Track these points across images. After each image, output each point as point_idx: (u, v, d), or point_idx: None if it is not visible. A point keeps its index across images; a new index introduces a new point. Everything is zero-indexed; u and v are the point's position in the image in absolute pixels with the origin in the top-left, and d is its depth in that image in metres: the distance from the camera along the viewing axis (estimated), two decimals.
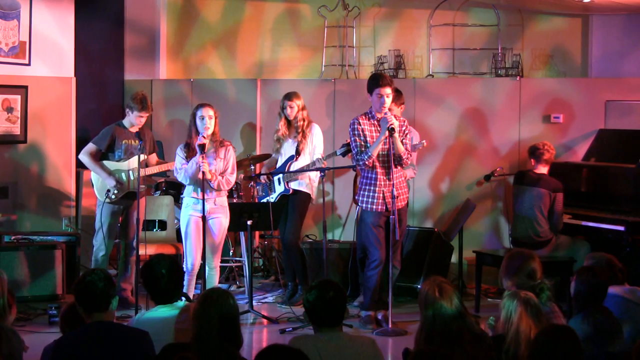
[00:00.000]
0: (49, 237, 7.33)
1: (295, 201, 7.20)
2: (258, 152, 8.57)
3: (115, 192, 6.91)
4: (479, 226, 8.20)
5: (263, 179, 7.50)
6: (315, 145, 7.19)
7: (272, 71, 9.20)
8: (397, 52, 8.76)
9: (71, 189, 8.07)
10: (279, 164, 7.35)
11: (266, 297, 7.55)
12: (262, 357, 3.28)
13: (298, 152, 7.18)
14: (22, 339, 4.16)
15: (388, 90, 6.42)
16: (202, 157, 6.31)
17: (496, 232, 8.23)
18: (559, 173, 7.43)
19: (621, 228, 6.86)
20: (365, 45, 9.05)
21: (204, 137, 6.42)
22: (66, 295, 6.98)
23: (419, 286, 7.19)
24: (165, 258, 4.45)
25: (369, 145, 6.41)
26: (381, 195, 6.42)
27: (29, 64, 7.77)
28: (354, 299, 7.12)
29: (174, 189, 7.80)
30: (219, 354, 3.63)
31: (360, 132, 6.46)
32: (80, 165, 7.68)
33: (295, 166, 7.18)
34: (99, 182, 6.97)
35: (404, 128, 6.52)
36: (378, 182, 6.44)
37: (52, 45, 7.97)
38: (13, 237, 7.23)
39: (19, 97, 7.69)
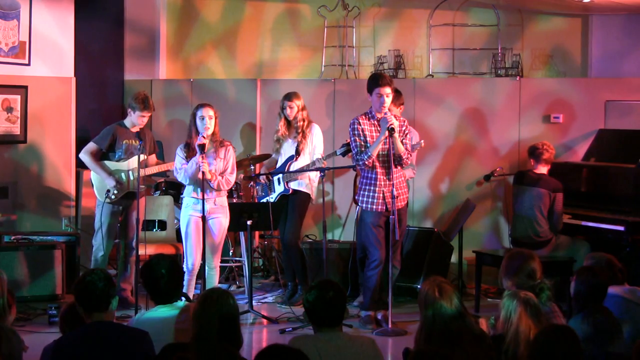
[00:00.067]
0: (49, 237, 7.33)
1: (295, 201, 7.20)
2: (258, 152, 8.57)
3: (115, 192, 6.91)
4: (479, 226, 8.20)
5: (263, 179, 7.50)
6: (315, 145, 7.19)
7: (272, 71, 9.20)
8: (397, 52, 8.76)
9: (71, 189, 8.07)
10: (278, 164, 7.35)
11: (266, 297, 7.55)
12: (262, 357, 3.28)
13: (298, 152, 7.18)
14: (22, 339, 4.15)
15: (388, 90, 6.42)
16: (202, 157, 6.31)
17: (496, 232, 8.23)
18: (559, 173, 7.42)
19: (621, 228, 6.86)
20: (365, 45, 9.05)
21: (203, 137, 6.42)
22: (66, 295, 6.98)
23: (418, 286, 7.19)
24: (165, 258, 4.45)
25: (368, 145, 6.41)
26: (381, 195, 6.42)
27: (28, 64, 7.77)
28: (354, 299, 7.12)
29: (174, 189, 7.80)
30: (218, 354, 3.62)
31: (360, 132, 6.46)
32: (80, 165, 7.68)
33: (295, 166, 7.18)
34: (98, 182, 6.97)
35: (403, 128, 6.52)
36: (378, 182, 6.44)
37: (52, 45, 7.97)
38: (13, 237, 7.23)
39: (18, 97, 7.69)
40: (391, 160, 6.32)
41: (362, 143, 6.44)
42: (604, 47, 8.53)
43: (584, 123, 8.11)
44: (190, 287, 6.44)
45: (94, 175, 6.99)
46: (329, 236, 8.23)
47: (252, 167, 7.99)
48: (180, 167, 6.50)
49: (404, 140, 6.47)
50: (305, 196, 7.24)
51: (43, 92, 7.87)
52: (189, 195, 6.52)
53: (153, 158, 7.16)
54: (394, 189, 6.36)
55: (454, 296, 3.90)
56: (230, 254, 8.06)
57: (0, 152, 7.63)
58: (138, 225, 6.51)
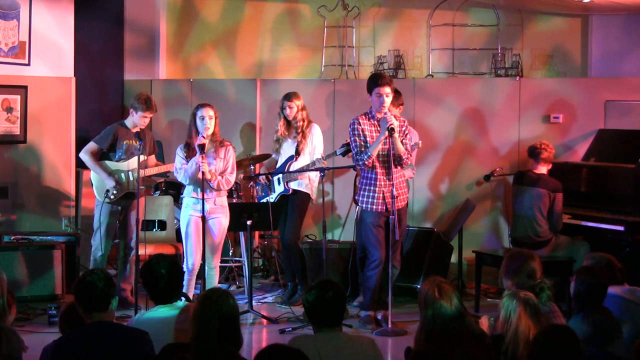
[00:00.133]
0: (49, 237, 7.33)
1: (295, 201, 7.20)
2: (258, 152, 8.57)
3: (115, 192, 6.91)
4: (479, 226, 8.20)
5: (262, 179, 7.50)
6: (315, 145, 7.19)
7: (271, 71, 9.20)
8: (397, 52, 8.76)
9: (71, 189, 8.07)
10: (278, 164, 7.35)
11: (266, 297, 7.55)
12: (261, 357, 3.28)
13: (298, 152, 7.18)
14: (21, 339, 4.16)
15: (387, 90, 6.42)
16: (202, 157, 6.31)
17: (496, 232, 8.23)
18: (559, 173, 7.43)
19: (621, 228, 6.85)
20: (365, 45, 9.05)
21: (203, 137, 6.42)
22: (66, 295, 6.98)
23: (418, 286, 7.19)
24: (165, 258, 4.45)
25: (368, 145, 6.41)
26: (381, 195, 6.42)
27: (28, 64, 7.77)
28: (354, 299, 7.12)
29: (174, 189, 7.80)
30: (218, 354, 3.62)
31: (360, 132, 6.46)
32: (80, 165, 7.68)
33: (294, 166, 7.18)
34: (98, 182, 6.97)
35: (403, 128, 6.52)
36: (378, 182, 6.44)
37: (51, 45, 7.97)
38: (13, 237, 7.22)
39: (18, 97, 7.69)
40: (391, 160, 6.32)
41: (362, 143, 6.44)
42: (603, 47, 8.53)
43: (583, 123, 8.11)
44: (190, 287, 6.44)
45: (94, 175, 6.99)
46: (329, 236, 8.23)
47: (252, 167, 7.99)
48: (180, 167, 6.50)
49: (403, 141, 6.47)
50: (305, 196, 7.24)
51: (43, 92, 7.87)
52: (189, 195, 6.52)
53: (152, 159, 7.16)
54: (394, 189, 6.36)
55: (453, 296, 3.91)
56: (230, 254, 8.06)
57: (0, 152, 7.63)
58: (138, 225, 6.51)
